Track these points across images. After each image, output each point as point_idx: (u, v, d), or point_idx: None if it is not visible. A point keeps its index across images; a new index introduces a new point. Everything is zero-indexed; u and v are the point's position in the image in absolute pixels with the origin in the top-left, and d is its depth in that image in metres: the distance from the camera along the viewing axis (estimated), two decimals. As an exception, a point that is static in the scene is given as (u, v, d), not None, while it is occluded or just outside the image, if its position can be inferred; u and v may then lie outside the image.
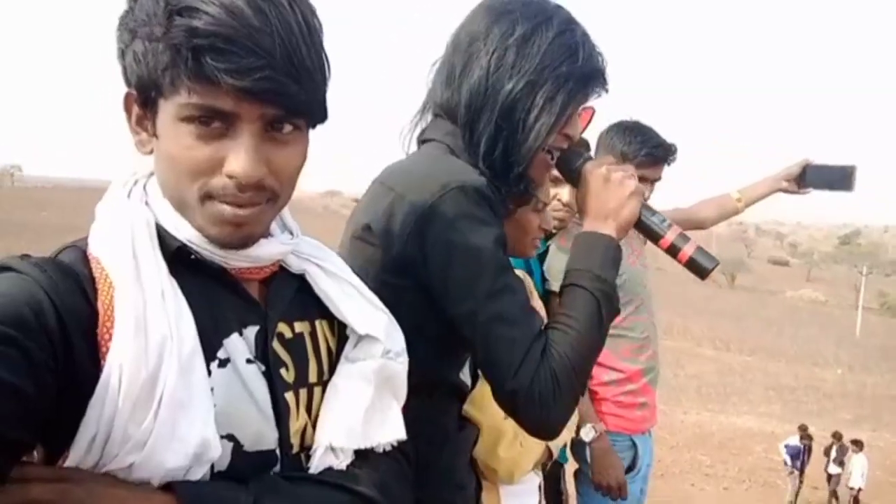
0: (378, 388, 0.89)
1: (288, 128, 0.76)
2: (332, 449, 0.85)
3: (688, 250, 1.15)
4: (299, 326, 0.88)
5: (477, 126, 1.13)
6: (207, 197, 0.74)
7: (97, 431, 0.67)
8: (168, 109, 0.71)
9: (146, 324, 0.69)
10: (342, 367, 0.89)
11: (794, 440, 12.89)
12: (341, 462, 0.85)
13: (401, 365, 0.92)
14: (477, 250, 1.04)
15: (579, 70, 1.12)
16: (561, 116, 1.12)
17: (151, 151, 0.77)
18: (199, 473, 0.73)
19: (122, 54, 0.73)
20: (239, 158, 0.72)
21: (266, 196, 0.77)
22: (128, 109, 0.76)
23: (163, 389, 0.69)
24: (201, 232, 0.77)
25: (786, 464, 12.55)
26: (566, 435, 1.70)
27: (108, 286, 0.71)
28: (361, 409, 0.87)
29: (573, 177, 1.20)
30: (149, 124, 0.75)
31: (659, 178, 2.30)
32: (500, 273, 1.05)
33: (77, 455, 0.68)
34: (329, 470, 0.84)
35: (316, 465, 0.84)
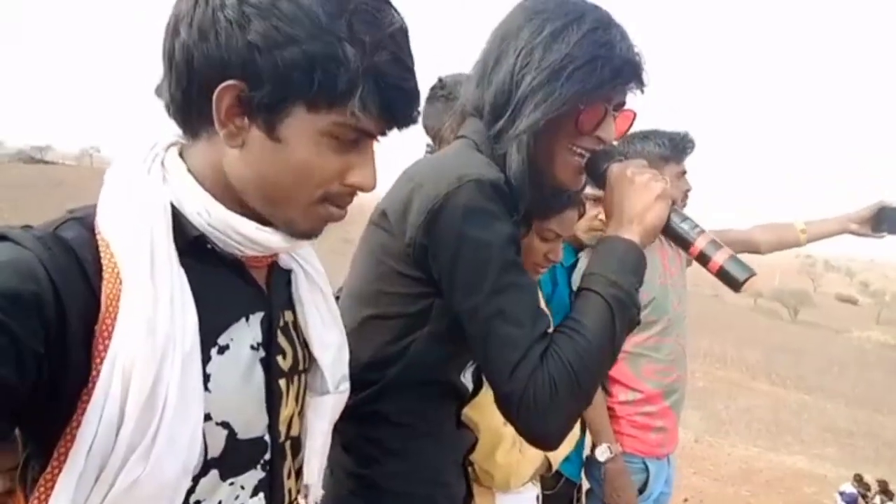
0: (330, 423, 0.95)
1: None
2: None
3: (719, 259, 1.06)
4: (288, 315, 0.91)
5: (499, 122, 1.13)
6: (323, 199, 0.79)
7: (94, 441, 0.65)
8: (313, 121, 0.73)
9: (155, 325, 0.68)
10: (310, 400, 0.93)
11: (849, 487, 12.31)
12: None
13: (344, 394, 0.96)
14: (487, 244, 1.03)
15: (599, 66, 1.07)
16: (558, 108, 1.07)
17: (242, 144, 0.75)
18: (185, 485, 0.72)
19: (259, 51, 0.70)
20: (367, 174, 0.79)
21: None
22: (220, 99, 0.72)
23: (166, 392, 0.67)
24: (288, 226, 0.80)
25: (841, 513, 11.98)
26: (566, 448, 1.68)
27: (114, 277, 0.69)
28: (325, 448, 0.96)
29: (600, 179, 1.15)
30: (245, 121, 0.74)
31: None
32: (509, 270, 1.03)
33: (74, 469, 0.65)
34: None
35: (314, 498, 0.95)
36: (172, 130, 0.83)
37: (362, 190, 0.80)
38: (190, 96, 0.75)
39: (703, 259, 1.07)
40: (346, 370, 0.96)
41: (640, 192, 1.08)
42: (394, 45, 0.73)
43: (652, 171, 1.11)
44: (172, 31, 0.74)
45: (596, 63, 1.07)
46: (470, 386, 1.32)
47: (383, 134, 0.78)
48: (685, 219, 1.10)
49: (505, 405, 1.02)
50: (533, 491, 1.68)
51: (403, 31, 0.75)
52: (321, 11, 0.70)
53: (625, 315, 1.03)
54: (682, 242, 1.10)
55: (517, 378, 0.98)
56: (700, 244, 1.07)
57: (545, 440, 1.06)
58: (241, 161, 0.76)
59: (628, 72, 1.11)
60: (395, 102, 0.75)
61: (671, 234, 1.11)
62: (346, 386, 0.96)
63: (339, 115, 0.73)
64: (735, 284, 1.06)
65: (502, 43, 1.14)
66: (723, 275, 1.07)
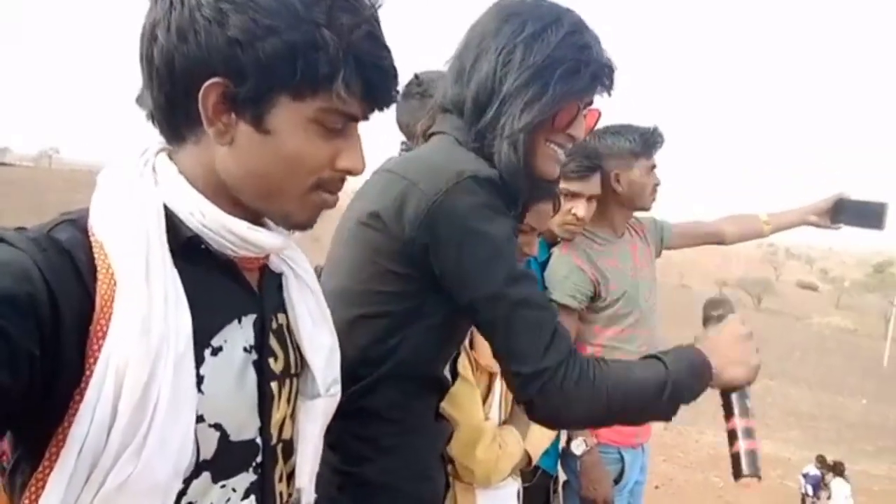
0: (322, 426, 0.95)
1: None
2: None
3: (742, 446, 1.16)
4: (281, 318, 0.90)
5: (482, 119, 1.15)
6: (316, 187, 0.79)
7: (85, 441, 0.64)
8: (299, 110, 0.74)
9: (150, 326, 0.67)
10: (301, 404, 0.93)
11: (812, 468, 12.57)
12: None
13: (335, 397, 0.96)
14: (494, 237, 1.06)
15: (582, 69, 1.13)
16: (552, 108, 1.12)
17: (231, 141, 0.75)
18: (176, 487, 0.72)
19: (241, 46, 0.70)
20: (355, 158, 0.80)
21: None
22: (205, 98, 0.72)
23: (158, 392, 0.67)
24: (285, 218, 0.81)
25: (807, 494, 12.20)
26: (546, 442, 1.70)
27: (109, 278, 0.68)
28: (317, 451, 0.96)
29: (711, 318, 1.27)
30: (232, 117, 0.74)
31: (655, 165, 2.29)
32: (517, 261, 1.08)
33: (65, 469, 0.64)
34: None
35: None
36: (156, 137, 0.82)
37: (352, 173, 0.81)
38: (174, 100, 0.74)
39: (731, 436, 1.17)
40: (337, 373, 0.96)
41: (744, 352, 1.18)
42: (369, 27, 0.75)
43: (754, 343, 1.21)
44: (150, 37, 0.73)
45: (579, 66, 1.12)
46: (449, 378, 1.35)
47: (366, 117, 0.80)
48: (746, 396, 1.19)
49: (531, 380, 1.04)
50: (514, 486, 1.69)
51: (377, 15, 0.77)
52: (296, 0, 0.71)
53: (674, 397, 1.10)
54: (729, 410, 1.19)
55: (550, 357, 1.03)
56: (738, 424, 1.17)
57: (554, 420, 1.14)
58: (232, 158, 0.76)
59: (603, 77, 1.16)
60: (375, 81, 0.76)
61: (728, 398, 1.19)
62: (336, 389, 0.95)
63: (324, 100, 0.74)
64: (737, 474, 1.16)
65: (482, 41, 1.16)
66: (735, 459, 1.16)
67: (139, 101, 0.80)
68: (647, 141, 2.21)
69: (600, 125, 2.24)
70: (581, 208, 2.09)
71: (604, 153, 2.18)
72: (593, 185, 2.10)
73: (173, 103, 0.75)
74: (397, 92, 0.81)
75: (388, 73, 0.78)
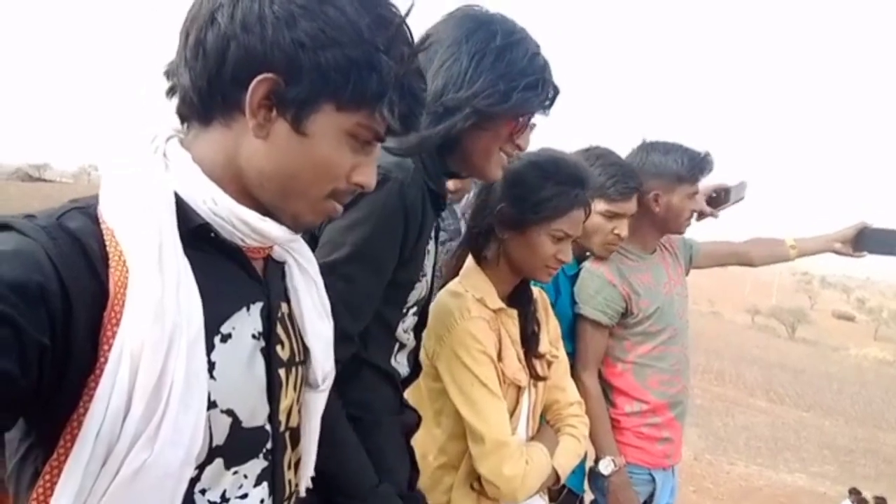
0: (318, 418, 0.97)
1: None
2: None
3: None
4: (284, 307, 0.91)
5: (445, 120, 1.21)
6: (330, 195, 0.82)
7: (101, 428, 0.65)
8: (340, 120, 0.77)
9: (163, 312, 0.68)
10: (306, 394, 0.95)
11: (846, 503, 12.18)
12: None
13: (326, 392, 0.97)
14: (361, 230, 1.12)
15: (540, 86, 1.23)
16: (509, 113, 1.22)
17: (266, 136, 0.77)
18: (189, 474, 0.71)
19: (304, 49, 0.73)
20: (370, 174, 0.84)
21: None
22: (255, 91, 0.74)
23: (172, 378, 0.68)
24: (294, 219, 0.83)
25: (840, 531, 11.83)
26: (574, 460, 1.65)
27: (121, 265, 0.68)
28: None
29: None
30: (272, 113, 0.76)
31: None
32: (361, 263, 1.13)
33: (82, 456, 0.64)
34: None
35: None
36: (169, 123, 0.83)
37: (363, 188, 0.84)
38: (217, 84, 0.75)
39: None
40: (332, 365, 0.97)
41: None
42: (416, 60, 0.81)
43: None
44: (207, 19, 0.75)
45: (538, 83, 1.22)
46: (403, 370, 1.35)
47: (385, 138, 0.84)
48: None
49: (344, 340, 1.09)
50: (540, 503, 1.65)
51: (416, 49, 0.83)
52: (363, 23, 0.75)
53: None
54: None
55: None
56: None
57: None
58: (263, 152, 0.78)
59: (552, 97, 1.26)
60: (412, 107, 0.82)
61: None
62: (329, 383, 0.97)
63: (364, 116, 0.78)
64: None
65: (450, 45, 1.22)
66: None
67: (168, 74, 0.81)
68: (695, 166, 2.17)
69: (650, 141, 2.25)
70: (624, 228, 2.08)
71: (648, 171, 2.15)
72: (634, 205, 2.09)
73: (214, 88, 0.76)
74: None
75: (423, 102, 0.84)
